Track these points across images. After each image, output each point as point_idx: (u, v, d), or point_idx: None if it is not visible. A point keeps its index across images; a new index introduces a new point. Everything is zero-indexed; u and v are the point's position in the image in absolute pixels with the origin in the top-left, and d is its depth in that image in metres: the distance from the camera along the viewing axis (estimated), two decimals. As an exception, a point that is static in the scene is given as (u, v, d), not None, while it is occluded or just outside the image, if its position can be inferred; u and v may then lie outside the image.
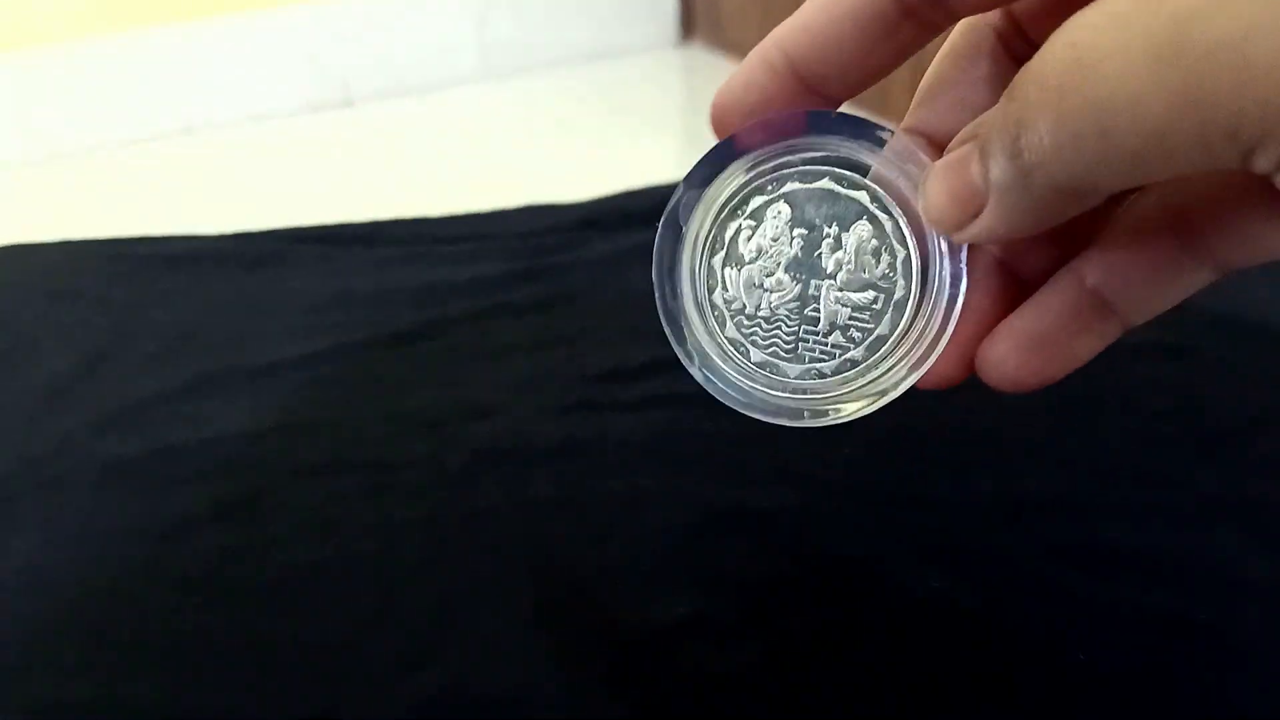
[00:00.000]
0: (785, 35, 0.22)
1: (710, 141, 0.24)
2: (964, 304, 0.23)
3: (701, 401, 0.41)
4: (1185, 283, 0.23)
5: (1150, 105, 0.16)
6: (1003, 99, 0.19)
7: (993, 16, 0.23)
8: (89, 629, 0.33)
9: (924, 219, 0.22)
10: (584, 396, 0.42)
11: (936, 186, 0.21)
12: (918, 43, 0.22)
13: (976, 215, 0.20)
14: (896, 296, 0.24)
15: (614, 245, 0.51)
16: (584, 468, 0.38)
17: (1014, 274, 0.24)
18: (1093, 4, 0.17)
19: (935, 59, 0.24)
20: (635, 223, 0.52)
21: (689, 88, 2.07)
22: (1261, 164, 0.16)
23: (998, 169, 0.19)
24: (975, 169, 0.20)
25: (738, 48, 2.08)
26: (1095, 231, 0.23)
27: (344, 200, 0.56)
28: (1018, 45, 0.23)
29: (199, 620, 0.33)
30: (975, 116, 0.20)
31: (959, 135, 0.21)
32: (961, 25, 0.23)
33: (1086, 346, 0.23)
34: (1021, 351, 0.22)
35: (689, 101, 2.04)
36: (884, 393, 0.24)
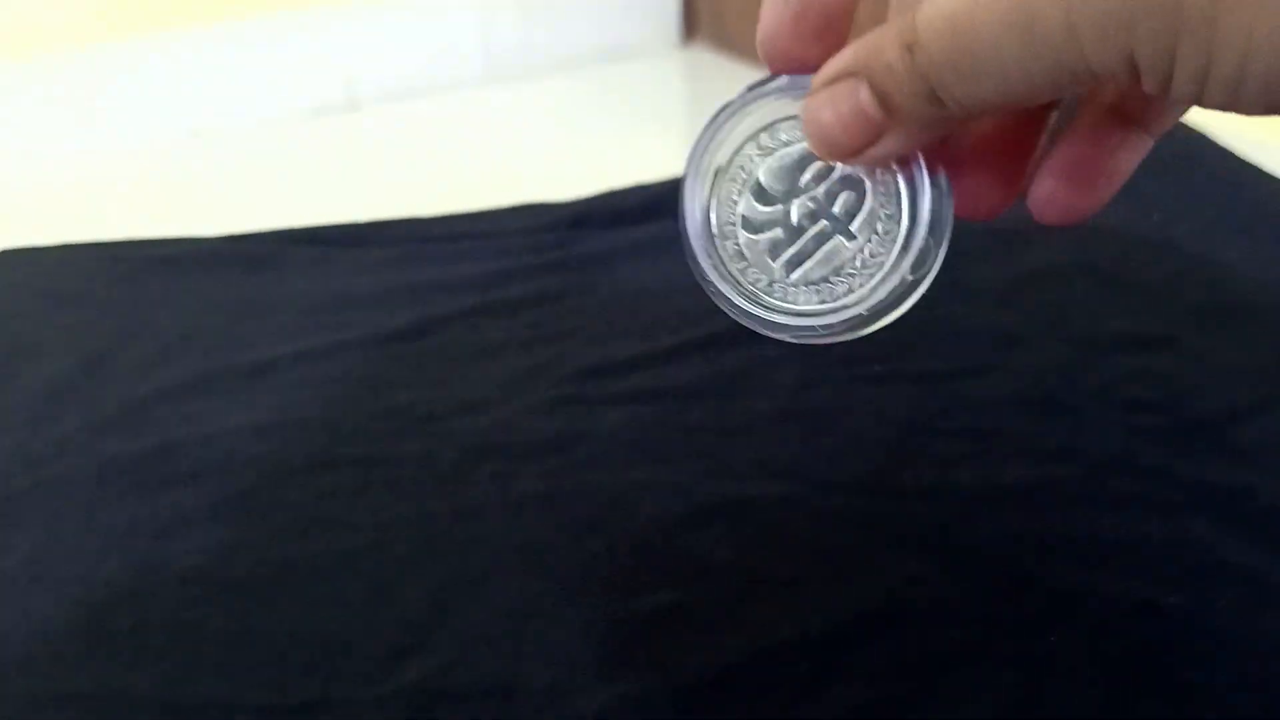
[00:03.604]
0: None
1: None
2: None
3: (686, 395, 0.42)
4: None
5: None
6: (896, 45, 0.20)
7: None
8: (89, 623, 0.34)
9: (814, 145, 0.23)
10: (573, 392, 0.42)
11: (827, 120, 0.22)
12: None
13: (872, 143, 0.22)
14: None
15: (604, 243, 0.52)
16: (572, 462, 0.39)
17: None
18: None
19: None
20: (624, 220, 0.53)
21: (692, 88, 2.07)
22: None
23: (914, 107, 0.21)
24: (866, 99, 0.21)
25: (740, 48, 2.08)
26: None
27: (350, 203, 0.57)
28: None
29: (195, 613, 0.34)
30: None
31: (832, 69, 0.22)
32: None
33: (1125, 162, 0.24)
34: (1068, 182, 0.24)
35: (692, 102, 2.05)
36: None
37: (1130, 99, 0.23)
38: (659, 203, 0.54)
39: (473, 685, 0.31)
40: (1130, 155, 0.24)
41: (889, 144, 0.22)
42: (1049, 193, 0.24)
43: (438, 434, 0.40)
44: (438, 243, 0.53)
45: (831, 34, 0.24)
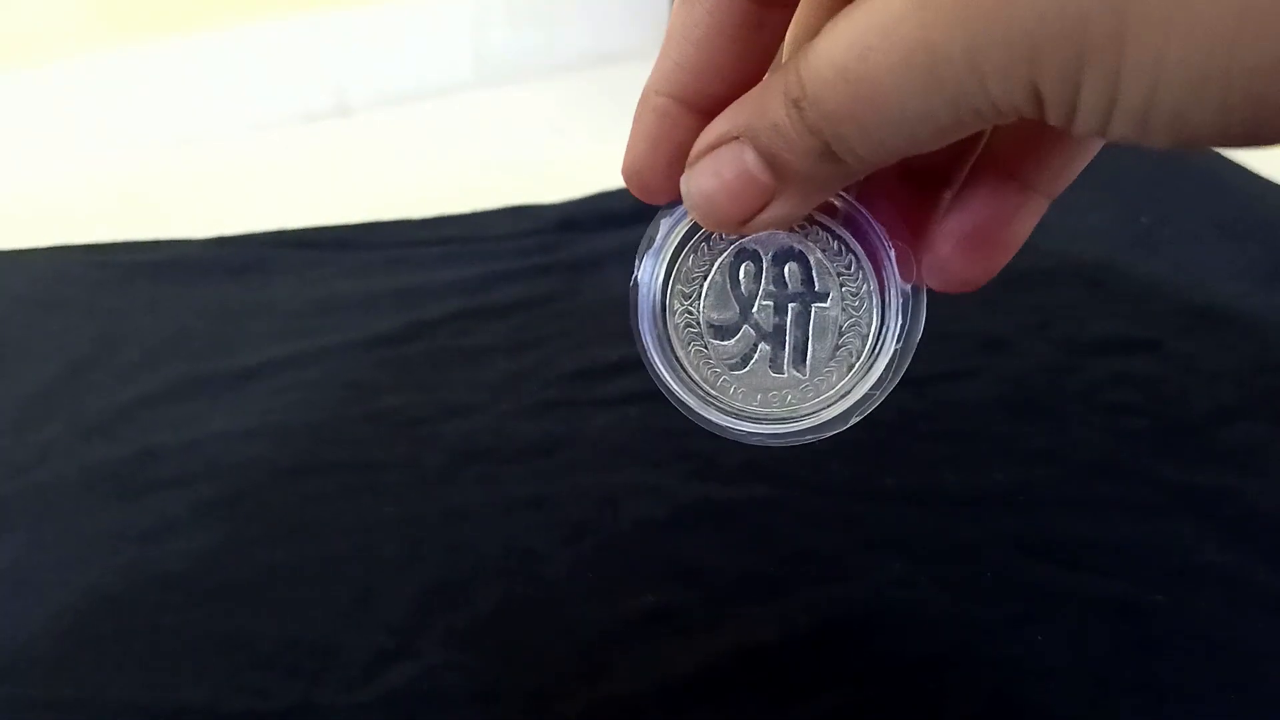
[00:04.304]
0: (664, 79, 0.21)
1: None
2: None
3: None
4: (1091, 145, 0.22)
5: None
6: (782, 103, 0.19)
7: None
8: (72, 628, 0.33)
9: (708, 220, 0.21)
10: (560, 395, 0.42)
11: (711, 190, 0.20)
12: (785, 23, 0.21)
13: (762, 209, 0.20)
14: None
15: (592, 246, 0.52)
16: (559, 465, 0.39)
17: (918, 173, 0.23)
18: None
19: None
20: (612, 223, 0.53)
21: (683, 91, 2.07)
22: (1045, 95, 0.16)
23: (806, 165, 0.19)
24: (752, 162, 0.20)
25: (731, 51, 2.08)
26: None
27: (344, 210, 0.57)
28: None
29: (178, 618, 0.33)
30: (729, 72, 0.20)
31: (712, 135, 0.20)
32: None
33: (1022, 226, 0.22)
34: (963, 251, 0.22)
35: (683, 105, 2.04)
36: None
37: (1026, 160, 0.22)
38: (648, 205, 0.54)
39: (458, 689, 0.31)
40: (1026, 220, 0.22)
41: (781, 207, 0.20)
42: (943, 261, 0.22)
43: (424, 438, 0.40)
44: (424, 246, 0.53)
45: None
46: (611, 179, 0.58)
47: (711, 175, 0.20)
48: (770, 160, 0.19)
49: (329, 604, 0.34)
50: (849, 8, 0.18)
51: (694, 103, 0.21)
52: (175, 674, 0.32)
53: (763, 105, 0.19)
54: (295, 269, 0.51)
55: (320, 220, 0.56)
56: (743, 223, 0.21)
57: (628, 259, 0.46)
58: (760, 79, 0.21)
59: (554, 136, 0.94)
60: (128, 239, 0.55)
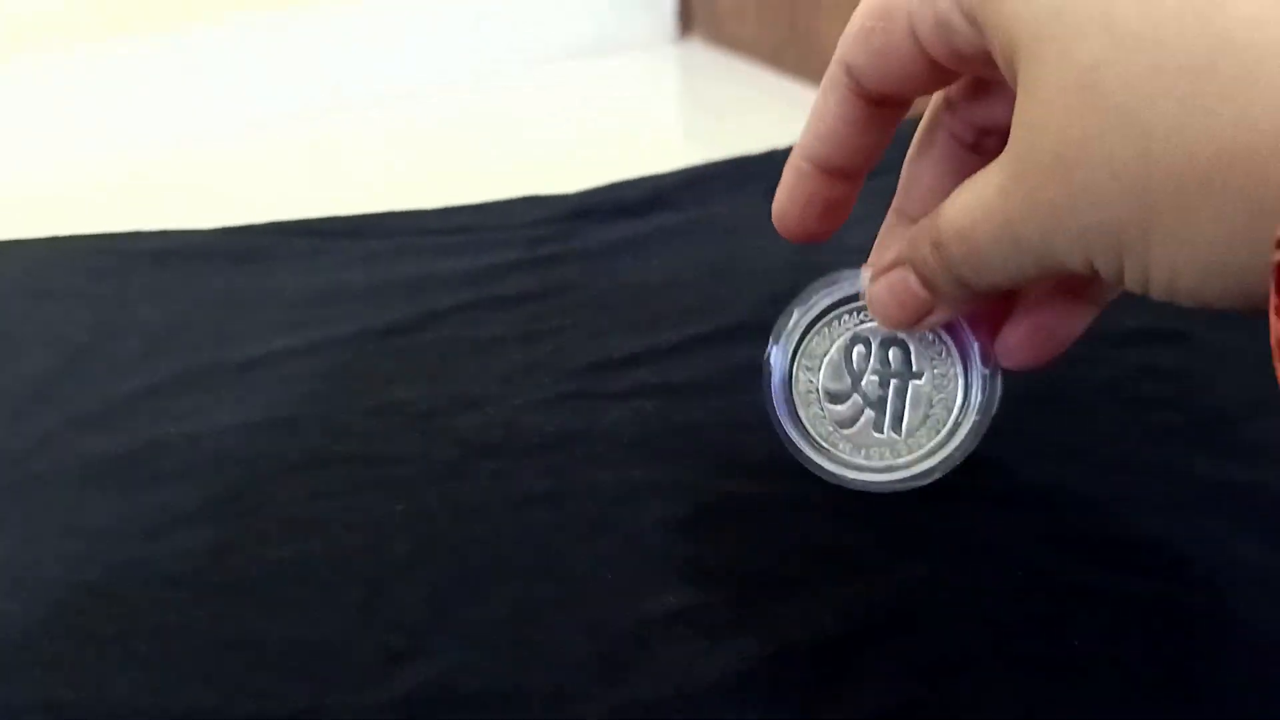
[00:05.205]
0: (804, 148, 0.29)
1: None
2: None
3: (691, 390, 0.41)
4: None
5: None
6: (928, 245, 0.27)
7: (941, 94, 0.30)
8: (72, 627, 0.32)
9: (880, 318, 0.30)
10: (574, 387, 0.41)
11: (887, 301, 0.29)
12: (897, 119, 0.29)
13: (927, 314, 0.29)
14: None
15: (606, 235, 0.51)
16: (574, 460, 0.38)
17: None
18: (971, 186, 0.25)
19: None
20: (627, 213, 0.52)
21: (687, 83, 2.07)
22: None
23: (948, 289, 0.27)
24: (914, 283, 0.28)
25: (735, 43, 2.08)
26: None
27: (340, 203, 0.56)
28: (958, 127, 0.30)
29: (183, 617, 0.32)
30: (934, 194, 0.28)
31: (888, 260, 0.29)
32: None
33: (1077, 326, 0.30)
34: (1028, 340, 0.30)
35: (687, 97, 2.04)
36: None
37: (1084, 283, 0.29)
38: (663, 195, 0.53)
39: (473, 691, 0.30)
40: (1079, 323, 0.31)
41: (938, 316, 0.29)
42: (1012, 350, 0.31)
43: (435, 431, 0.39)
44: (434, 235, 0.52)
45: (833, 215, 0.30)
46: (619, 171, 0.57)
47: (887, 290, 0.29)
48: (925, 282, 0.27)
49: (338, 603, 0.33)
50: (968, 181, 0.25)
51: (824, 167, 0.29)
52: (180, 676, 0.31)
53: (916, 244, 0.27)
54: (300, 258, 0.50)
55: (321, 213, 0.55)
56: (911, 326, 0.29)
57: (641, 249, 0.47)
58: (874, 155, 0.30)
59: (560, 127, 0.93)
60: (128, 229, 0.54)
